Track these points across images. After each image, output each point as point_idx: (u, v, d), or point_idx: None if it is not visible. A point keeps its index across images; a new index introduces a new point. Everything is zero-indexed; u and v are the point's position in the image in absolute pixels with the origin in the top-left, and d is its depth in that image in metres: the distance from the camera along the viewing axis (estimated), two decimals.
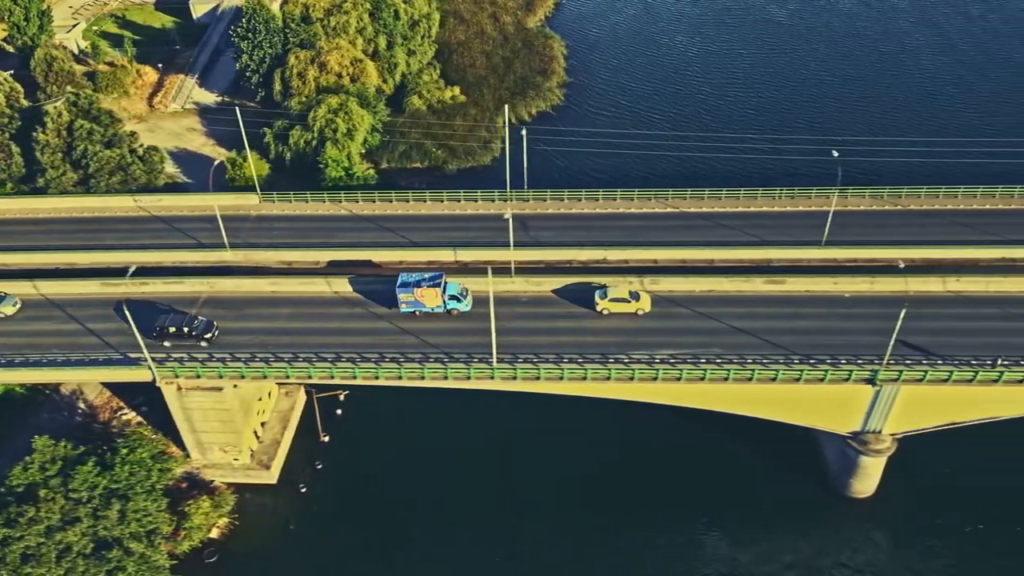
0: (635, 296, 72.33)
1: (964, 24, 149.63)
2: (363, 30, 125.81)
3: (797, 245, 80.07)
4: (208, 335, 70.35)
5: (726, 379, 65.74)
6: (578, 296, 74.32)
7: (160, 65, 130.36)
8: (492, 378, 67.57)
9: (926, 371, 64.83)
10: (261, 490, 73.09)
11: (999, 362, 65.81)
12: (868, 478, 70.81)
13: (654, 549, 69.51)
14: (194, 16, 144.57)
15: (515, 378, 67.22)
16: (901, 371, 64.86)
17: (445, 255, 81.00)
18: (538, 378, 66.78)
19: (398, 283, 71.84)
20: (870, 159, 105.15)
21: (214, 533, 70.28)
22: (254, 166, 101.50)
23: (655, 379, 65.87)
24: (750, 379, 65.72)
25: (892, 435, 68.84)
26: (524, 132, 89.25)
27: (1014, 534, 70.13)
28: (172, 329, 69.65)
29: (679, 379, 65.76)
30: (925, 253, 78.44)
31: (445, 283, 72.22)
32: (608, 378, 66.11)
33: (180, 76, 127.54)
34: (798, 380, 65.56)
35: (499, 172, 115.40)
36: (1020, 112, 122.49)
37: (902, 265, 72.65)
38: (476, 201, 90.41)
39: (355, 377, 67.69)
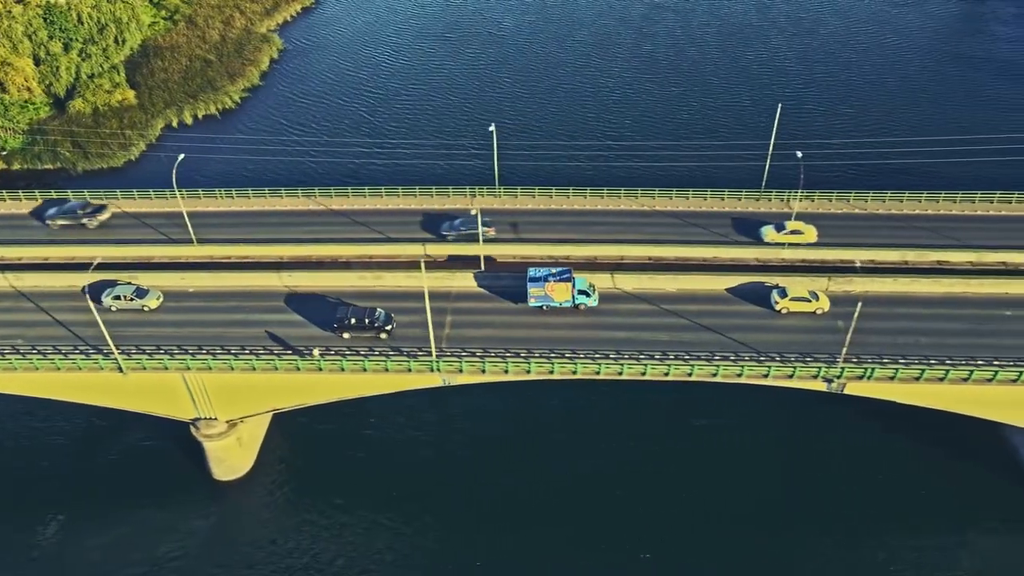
0: (814, 296, 73.38)
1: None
2: (33, 35, 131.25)
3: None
4: (388, 327, 71.29)
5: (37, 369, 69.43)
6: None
7: None
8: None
9: (230, 360, 68.48)
10: None
11: (315, 352, 69.31)
12: (222, 462, 74.40)
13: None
14: None
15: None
16: (209, 361, 68.55)
17: None
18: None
19: (528, 277, 72.31)
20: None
21: None
22: None
23: None
24: (102, 369, 69.44)
25: (228, 421, 72.46)
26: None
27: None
28: (353, 321, 70.59)
29: None
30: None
31: (574, 278, 73.01)
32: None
33: None
34: (122, 371, 69.37)
35: (128, 173, 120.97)
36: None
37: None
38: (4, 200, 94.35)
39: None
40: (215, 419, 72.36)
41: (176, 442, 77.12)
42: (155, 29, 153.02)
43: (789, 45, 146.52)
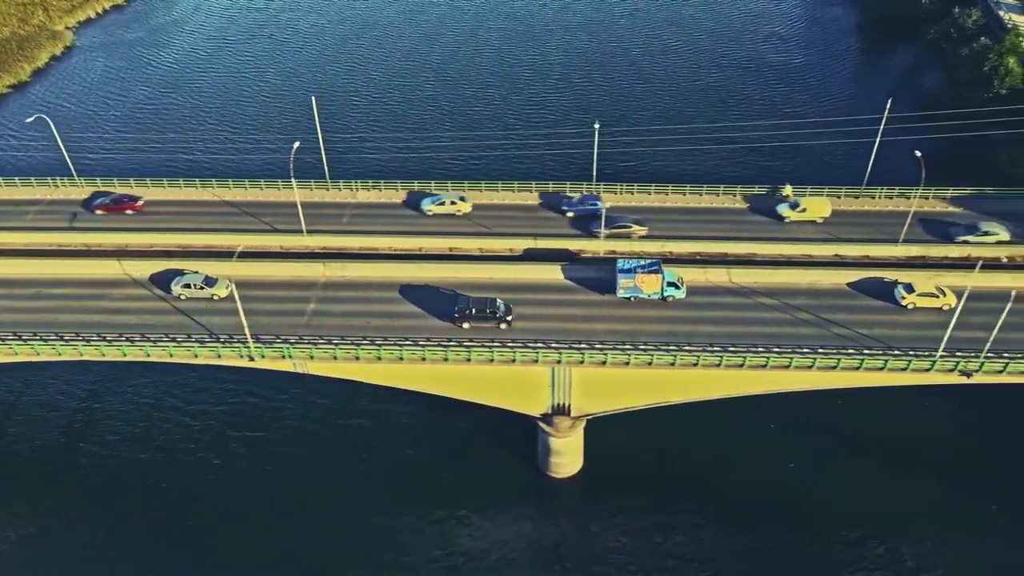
0: (941, 291, 71.77)
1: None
2: None
3: None
4: (509, 318, 71.31)
5: None
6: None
7: None
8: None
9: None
10: None
11: None
12: None
13: None
14: None
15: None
16: None
17: None
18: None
19: (619, 268, 71.84)
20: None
21: None
22: None
23: None
24: None
25: None
26: None
27: None
28: (474, 311, 70.60)
29: None
30: None
31: (663, 270, 72.35)
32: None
33: None
34: None
35: None
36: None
37: None
38: None
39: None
40: None
41: None
42: None
43: (565, 43, 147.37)
